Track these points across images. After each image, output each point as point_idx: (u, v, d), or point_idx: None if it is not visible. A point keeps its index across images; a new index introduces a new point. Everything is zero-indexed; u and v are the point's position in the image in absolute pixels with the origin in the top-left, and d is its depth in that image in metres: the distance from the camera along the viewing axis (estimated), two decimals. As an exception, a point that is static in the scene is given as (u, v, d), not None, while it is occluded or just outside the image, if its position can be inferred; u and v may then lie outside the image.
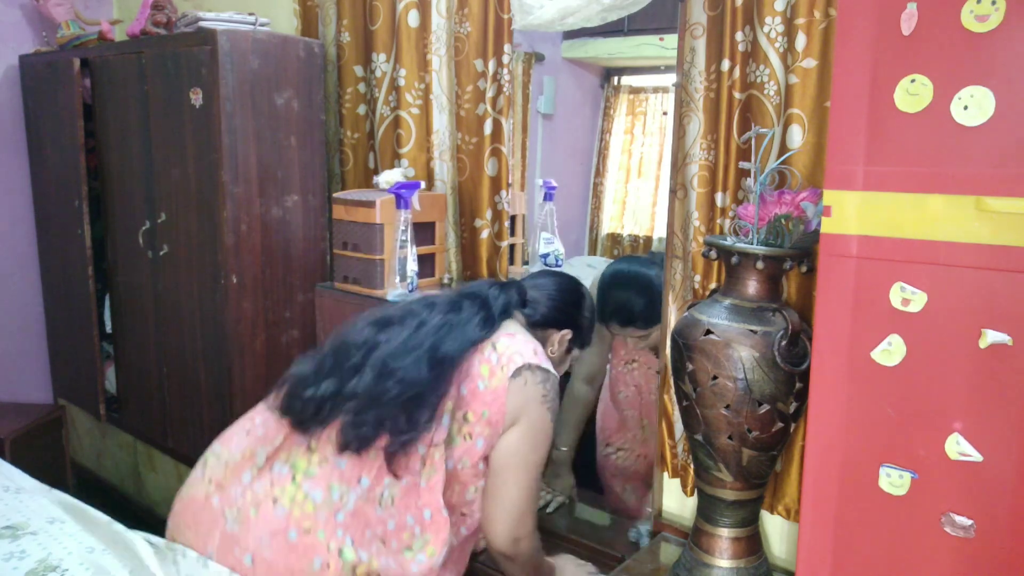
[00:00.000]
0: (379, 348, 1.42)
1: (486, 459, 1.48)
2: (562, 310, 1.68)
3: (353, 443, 1.35)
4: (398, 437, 1.34)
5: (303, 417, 1.39)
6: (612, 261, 2.14)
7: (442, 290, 1.67)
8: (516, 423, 1.47)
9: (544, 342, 1.64)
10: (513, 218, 2.44)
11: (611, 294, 1.99)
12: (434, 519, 1.40)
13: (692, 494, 1.81)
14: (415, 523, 1.39)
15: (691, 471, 1.76)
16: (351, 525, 1.35)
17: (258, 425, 1.48)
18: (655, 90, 4.98)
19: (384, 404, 1.35)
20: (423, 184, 2.23)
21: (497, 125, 2.17)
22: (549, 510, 2.11)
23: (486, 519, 1.49)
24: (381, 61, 2.25)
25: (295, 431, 1.41)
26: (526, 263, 2.60)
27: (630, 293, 1.96)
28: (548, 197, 2.30)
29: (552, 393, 1.51)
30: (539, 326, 1.65)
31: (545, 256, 2.37)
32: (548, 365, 1.53)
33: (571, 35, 4.53)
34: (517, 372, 1.47)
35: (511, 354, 1.49)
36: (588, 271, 4.60)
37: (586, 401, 2.26)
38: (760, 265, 1.49)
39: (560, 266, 2.40)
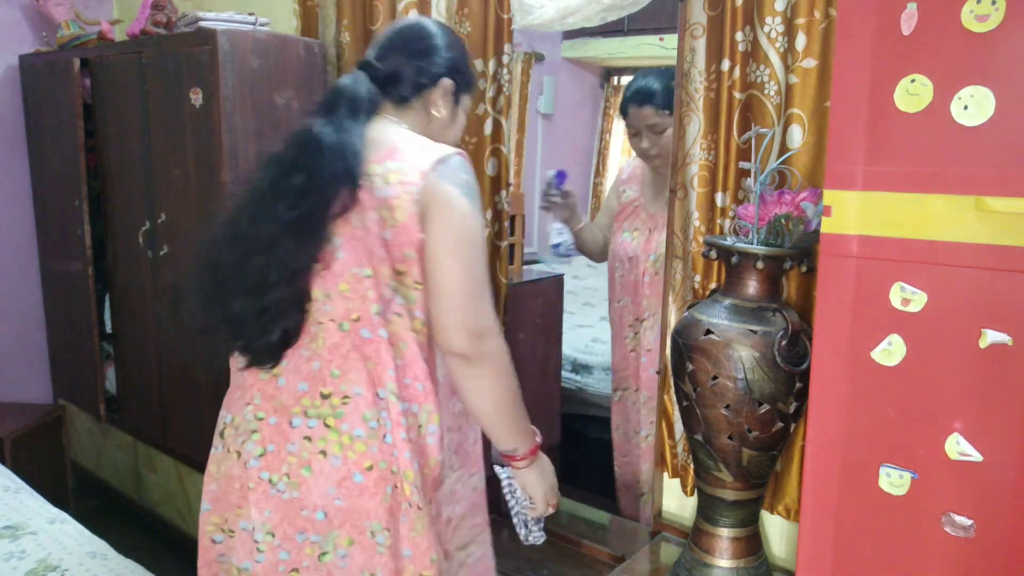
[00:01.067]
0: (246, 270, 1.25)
1: None
2: (425, 58, 1.38)
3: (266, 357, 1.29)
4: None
5: (271, 360, 1.31)
6: None
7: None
8: (430, 217, 1.26)
9: (426, 110, 1.41)
10: (512, 218, 2.44)
11: (633, 82, 2.21)
12: (427, 387, 1.31)
13: (692, 494, 1.81)
14: (413, 400, 1.31)
15: (691, 471, 1.76)
16: (400, 442, 1.29)
17: (239, 383, 1.41)
18: (655, 90, 4.98)
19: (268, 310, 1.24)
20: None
21: (497, 125, 2.17)
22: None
23: (433, 324, 1.29)
24: (381, 61, 2.24)
25: (283, 370, 1.32)
26: (529, 262, 2.62)
27: (650, 78, 2.16)
28: (561, 180, 2.35)
29: (455, 171, 1.28)
30: (411, 97, 1.38)
31: (556, 246, 2.41)
32: (441, 153, 1.29)
33: (571, 35, 4.53)
34: (418, 192, 1.25)
35: (403, 176, 1.25)
36: (588, 271, 4.62)
37: (600, 243, 2.43)
38: (760, 265, 1.49)
39: (571, 255, 2.49)
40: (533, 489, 1.38)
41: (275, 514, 1.29)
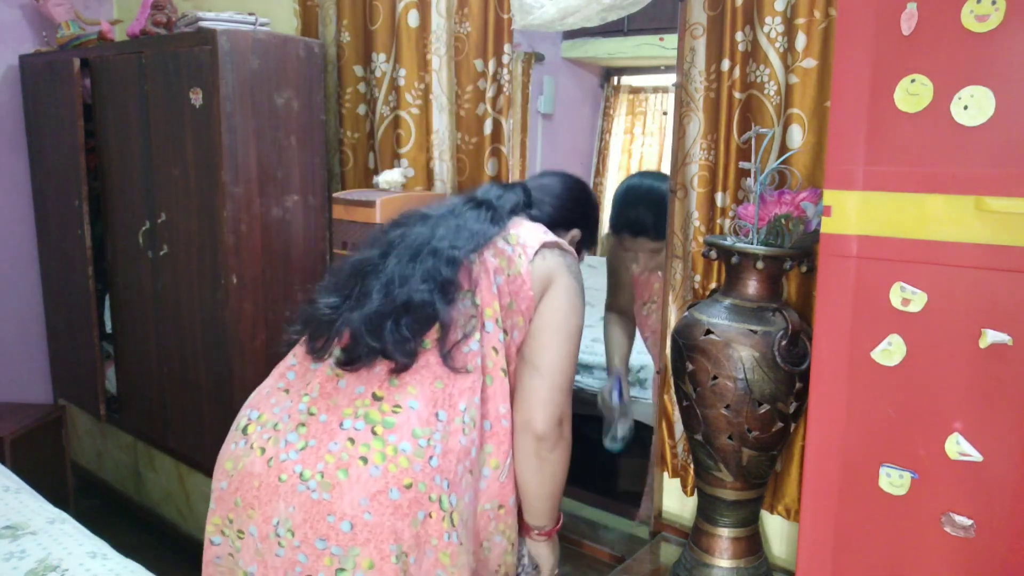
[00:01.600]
0: (388, 267, 1.35)
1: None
2: (569, 208, 1.62)
3: (400, 357, 1.29)
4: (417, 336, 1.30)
5: (356, 358, 1.32)
6: (627, 176, 2.18)
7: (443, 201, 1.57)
8: (544, 296, 1.41)
9: None
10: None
11: (624, 206, 2.07)
12: (494, 428, 1.34)
13: (692, 494, 1.81)
14: (478, 437, 1.33)
15: (691, 471, 1.76)
16: (446, 467, 1.27)
17: (293, 380, 1.40)
18: (655, 90, 4.98)
19: (392, 312, 1.30)
20: (416, 184, 2.23)
21: (497, 125, 2.17)
22: (620, 435, 2.21)
23: (525, 396, 1.37)
24: (381, 61, 2.25)
25: (348, 374, 1.33)
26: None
27: (641, 206, 2.01)
28: None
29: (575, 266, 1.46)
30: (546, 226, 1.54)
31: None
32: (561, 242, 1.47)
33: (571, 35, 4.53)
34: (536, 254, 1.41)
35: (525, 240, 1.42)
36: (588, 271, 4.61)
37: (624, 325, 2.33)
38: (760, 265, 1.49)
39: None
40: (544, 560, 1.52)
41: (298, 512, 1.25)
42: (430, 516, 1.25)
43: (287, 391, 1.39)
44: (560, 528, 1.51)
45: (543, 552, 1.51)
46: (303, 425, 1.31)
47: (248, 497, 1.30)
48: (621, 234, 2.07)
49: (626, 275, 2.24)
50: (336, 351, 1.35)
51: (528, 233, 1.45)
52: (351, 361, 1.32)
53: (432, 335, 1.33)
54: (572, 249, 1.49)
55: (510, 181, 1.93)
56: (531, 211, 1.56)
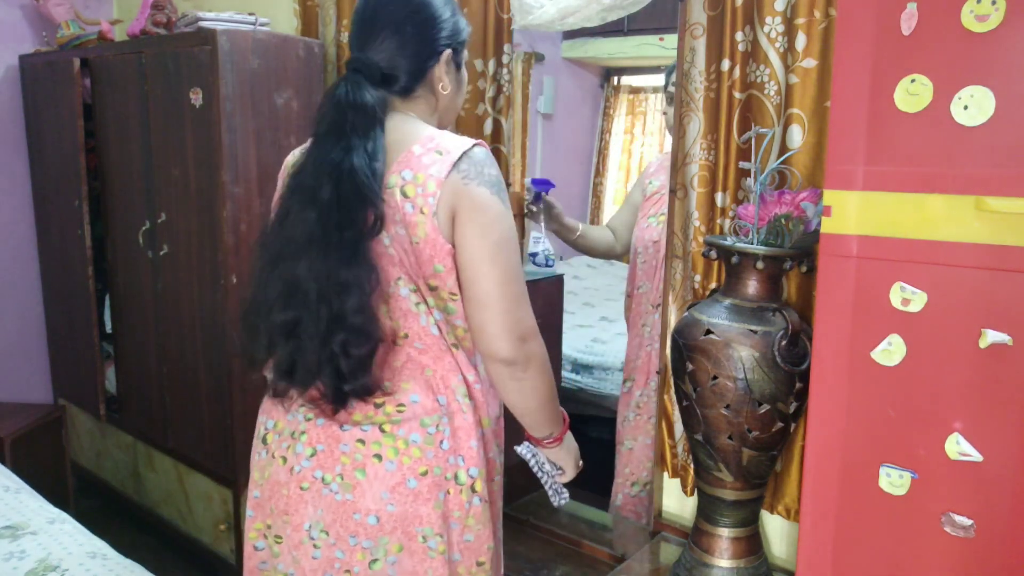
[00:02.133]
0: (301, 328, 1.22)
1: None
2: (420, 43, 1.28)
3: (364, 394, 1.24)
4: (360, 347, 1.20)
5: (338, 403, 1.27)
6: None
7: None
8: (455, 226, 1.22)
9: (432, 90, 1.31)
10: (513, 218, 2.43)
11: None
12: (473, 392, 1.32)
13: (692, 494, 1.81)
14: (478, 399, 1.33)
15: (691, 471, 1.76)
16: (457, 446, 1.29)
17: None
18: (655, 90, 4.98)
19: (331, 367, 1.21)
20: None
21: (497, 125, 2.17)
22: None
23: (477, 332, 1.25)
24: (381, 61, 2.24)
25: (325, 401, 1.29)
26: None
27: None
28: (538, 197, 2.26)
29: (477, 167, 1.22)
30: (415, 85, 1.29)
31: (534, 255, 2.36)
32: (456, 152, 1.21)
33: (571, 35, 4.53)
34: (437, 202, 1.20)
35: (422, 188, 1.20)
36: (588, 271, 4.62)
37: (606, 239, 2.43)
38: (760, 265, 1.49)
39: (551, 266, 2.42)
40: (564, 462, 1.42)
41: (327, 514, 1.29)
42: (449, 493, 1.29)
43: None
44: (568, 426, 1.41)
45: (560, 455, 1.41)
46: (304, 433, 1.32)
47: (280, 505, 1.33)
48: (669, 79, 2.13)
49: (639, 196, 2.35)
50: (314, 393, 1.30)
51: (421, 169, 1.20)
52: (336, 404, 1.28)
53: (390, 335, 1.28)
54: (471, 146, 1.23)
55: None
56: (393, 88, 1.28)
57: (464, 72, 1.38)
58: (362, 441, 1.28)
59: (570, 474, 1.43)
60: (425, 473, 1.27)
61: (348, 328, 1.20)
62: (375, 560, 1.28)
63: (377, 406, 1.29)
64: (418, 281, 1.26)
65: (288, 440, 1.33)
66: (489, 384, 1.35)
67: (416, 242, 1.22)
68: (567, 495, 1.47)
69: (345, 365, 1.21)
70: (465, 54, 1.37)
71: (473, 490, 1.30)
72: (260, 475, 1.37)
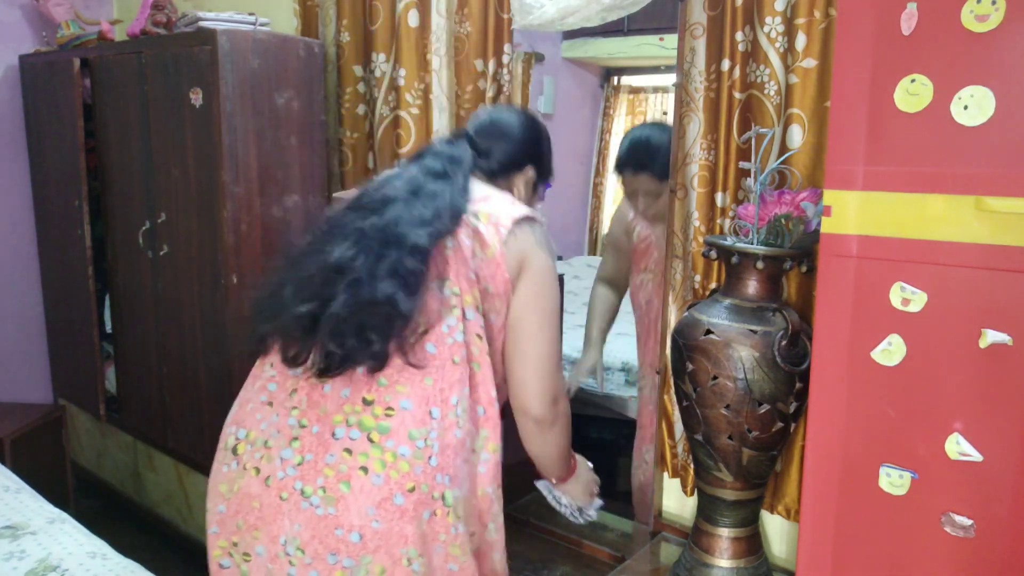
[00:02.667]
0: (357, 264, 1.27)
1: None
2: (519, 148, 1.53)
3: (367, 361, 1.26)
4: (395, 333, 1.25)
5: (332, 365, 1.27)
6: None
7: (394, 168, 1.51)
8: (520, 278, 1.38)
9: (509, 187, 1.53)
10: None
11: (629, 145, 2.09)
12: (488, 413, 1.35)
13: (692, 494, 1.81)
14: (472, 425, 1.34)
15: (691, 471, 1.76)
16: (445, 464, 1.27)
17: (276, 392, 1.35)
18: (655, 90, 4.99)
19: (355, 314, 1.24)
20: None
21: (497, 125, 2.16)
22: (570, 394, 2.14)
23: (517, 386, 1.39)
24: (381, 61, 2.25)
25: (327, 380, 1.30)
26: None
27: (644, 144, 2.03)
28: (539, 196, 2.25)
29: (544, 237, 1.43)
30: (499, 174, 1.51)
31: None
32: (531, 213, 1.42)
33: (571, 35, 4.53)
34: (508, 233, 1.36)
35: (497, 217, 1.37)
36: (588, 271, 4.62)
37: (609, 302, 2.35)
38: (760, 265, 1.49)
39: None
40: (575, 495, 1.57)
41: (305, 530, 1.23)
42: (435, 514, 1.26)
43: (271, 404, 1.35)
44: (576, 465, 1.56)
45: (571, 489, 1.56)
46: (296, 439, 1.29)
47: (250, 519, 1.28)
48: (624, 172, 2.09)
49: (626, 242, 2.25)
50: (314, 357, 1.30)
51: (498, 207, 1.39)
52: (326, 370, 1.28)
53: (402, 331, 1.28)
54: (541, 218, 1.44)
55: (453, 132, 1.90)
56: (482, 163, 1.49)
57: (538, 195, 1.61)
58: (349, 451, 1.25)
59: (584, 503, 1.58)
60: (412, 490, 1.24)
61: (403, 267, 1.26)
62: None
63: (366, 403, 1.28)
64: (463, 284, 1.32)
65: (262, 451, 1.29)
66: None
67: (480, 255, 1.36)
68: (592, 513, 1.61)
69: (380, 314, 1.24)
70: (542, 191, 1.62)
71: (457, 515, 1.28)
72: (228, 488, 1.31)
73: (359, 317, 1.25)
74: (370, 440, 1.26)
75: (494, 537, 1.40)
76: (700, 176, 1.74)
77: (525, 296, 1.38)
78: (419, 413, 1.27)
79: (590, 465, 1.63)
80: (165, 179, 2.43)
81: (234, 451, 1.33)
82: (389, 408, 1.27)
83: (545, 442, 1.44)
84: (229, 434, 1.37)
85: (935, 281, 1.17)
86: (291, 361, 1.31)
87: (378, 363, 1.27)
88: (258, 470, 1.29)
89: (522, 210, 1.40)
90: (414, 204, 1.33)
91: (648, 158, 2.01)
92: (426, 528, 1.25)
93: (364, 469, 1.24)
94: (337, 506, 1.23)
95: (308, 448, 1.27)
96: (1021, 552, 1.15)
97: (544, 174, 1.60)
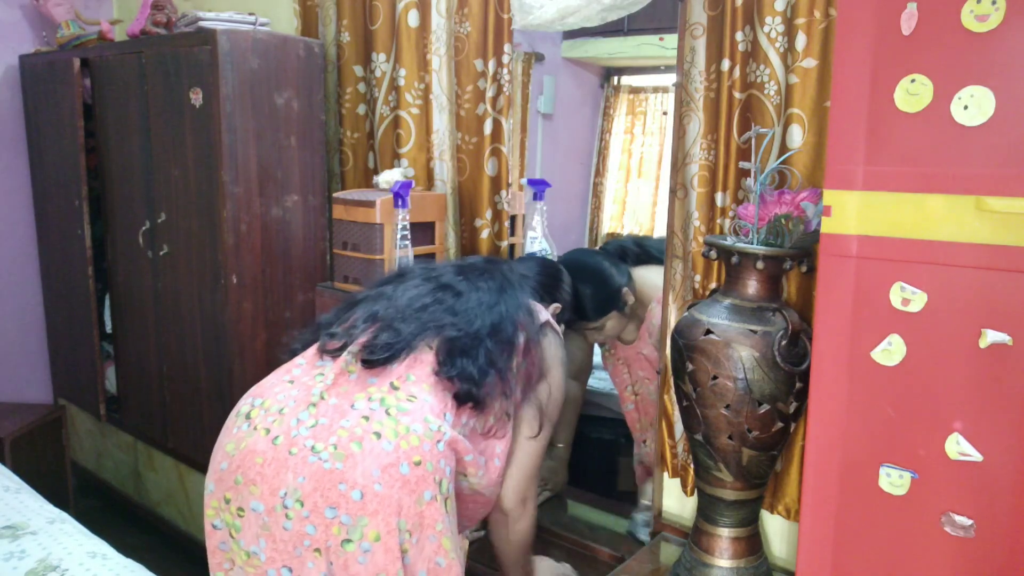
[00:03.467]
0: (447, 302, 1.49)
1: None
2: (546, 286, 1.78)
3: (466, 386, 1.40)
4: (499, 383, 1.44)
5: (379, 356, 1.40)
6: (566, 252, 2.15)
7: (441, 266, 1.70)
8: (540, 383, 1.56)
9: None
10: (513, 218, 2.43)
11: None
12: (488, 465, 1.49)
13: (692, 494, 1.81)
14: (481, 459, 1.46)
15: (691, 471, 1.76)
16: (449, 454, 1.35)
17: (299, 375, 1.44)
18: (655, 90, 4.97)
19: (485, 343, 1.44)
20: (416, 184, 2.23)
21: (497, 125, 2.17)
22: (538, 501, 2.12)
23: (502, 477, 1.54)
24: (381, 61, 2.25)
25: (360, 369, 1.41)
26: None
27: (574, 285, 1.96)
28: (537, 196, 2.25)
29: (562, 349, 1.64)
30: (536, 298, 1.70)
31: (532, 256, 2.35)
32: (554, 323, 1.65)
33: (571, 35, 4.52)
34: (542, 328, 1.58)
35: (538, 313, 1.59)
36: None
37: (575, 397, 2.27)
38: (760, 265, 1.49)
39: None
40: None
41: (308, 482, 1.27)
42: (434, 498, 1.30)
43: (291, 382, 1.43)
44: (533, 572, 1.74)
45: None
46: (313, 406, 1.35)
47: (251, 474, 1.31)
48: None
49: (582, 340, 2.19)
50: (355, 350, 1.43)
51: (537, 307, 1.63)
52: (373, 354, 1.40)
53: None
54: (558, 327, 1.68)
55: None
56: (529, 283, 1.71)
57: (561, 330, 1.75)
58: (366, 418, 1.32)
59: None
60: (419, 463, 1.30)
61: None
62: (348, 540, 1.26)
63: (393, 387, 1.37)
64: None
65: (276, 416, 1.35)
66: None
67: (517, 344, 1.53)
68: None
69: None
70: (562, 328, 1.77)
71: (447, 507, 1.33)
72: (234, 447, 1.35)
73: (484, 342, 1.46)
74: (387, 413, 1.33)
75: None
76: (700, 176, 1.74)
77: (537, 402, 1.56)
78: (437, 408, 1.37)
79: (556, 565, 1.80)
80: (165, 179, 2.43)
81: (247, 416, 1.38)
82: (412, 395, 1.37)
83: (510, 538, 1.61)
84: (244, 403, 1.42)
85: (935, 281, 1.17)
86: (331, 352, 1.45)
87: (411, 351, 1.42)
88: (268, 431, 1.33)
89: (550, 318, 1.63)
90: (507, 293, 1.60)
91: (576, 309, 1.94)
92: (424, 509, 1.29)
93: (377, 434, 1.30)
94: (346, 462, 1.27)
95: (324, 414, 1.34)
96: (1021, 552, 1.15)
97: (566, 316, 1.84)
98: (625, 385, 2.19)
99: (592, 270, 1.98)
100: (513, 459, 1.54)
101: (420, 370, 1.41)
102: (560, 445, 2.21)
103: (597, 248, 2.53)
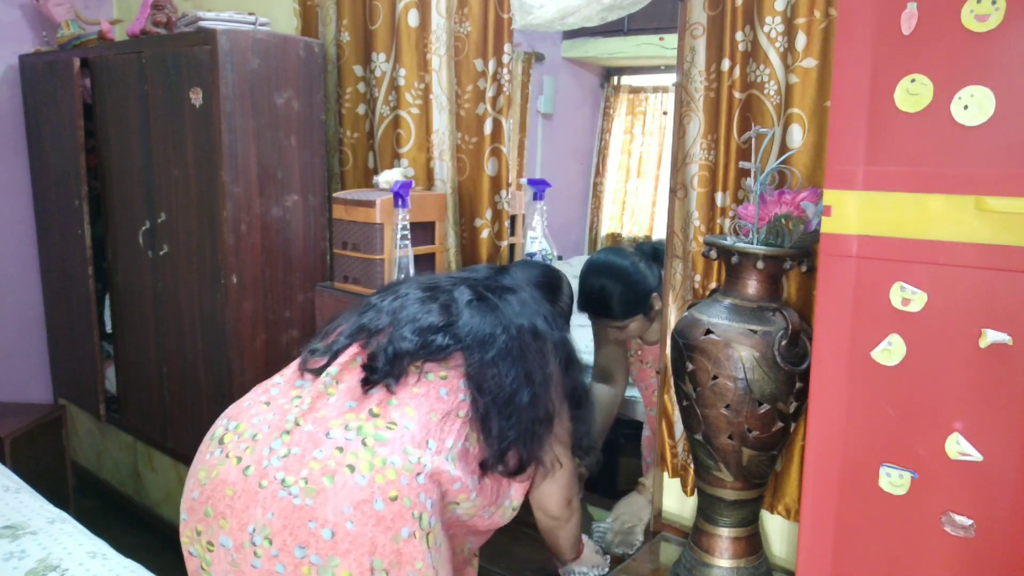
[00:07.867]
0: (457, 322, 1.41)
1: None
2: (543, 294, 1.68)
3: (499, 450, 1.36)
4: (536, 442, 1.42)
5: (377, 376, 1.34)
6: (591, 254, 2.15)
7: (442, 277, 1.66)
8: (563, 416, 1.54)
9: None
10: (513, 218, 2.43)
11: (586, 284, 2.00)
12: (485, 491, 1.40)
13: (692, 494, 1.81)
14: (473, 480, 1.36)
15: (691, 471, 1.76)
16: (430, 487, 1.26)
17: (276, 396, 1.38)
18: (655, 90, 4.98)
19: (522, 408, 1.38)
20: (416, 183, 2.23)
21: (497, 125, 2.17)
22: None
23: (539, 495, 1.55)
24: (381, 61, 2.25)
25: (338, 391, 1.34)
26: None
27: (604, 283, 1.96)
28: (537, 196, 2.25)
29: (579, 362, 1.63)
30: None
31: (532, 255, 2.35)
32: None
33: (571, 35, 4.52)
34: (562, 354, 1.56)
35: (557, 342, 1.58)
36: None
37: (607, 400, 2.22)
38: (760, 265, 1.49)
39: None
40: (587, 562, 1.77)
41: (277, 519, 1.21)
42: (414, 536, 1.22)
43: (267, 404, 1.36)
44: (583, 548, 1.76)
45: (580, 567, 1.76)
46: (287, 433, 1.28)
47: (220, 507, 1.26)
48: (586, 312, 2.03)
49: (610, 341, 2.17)
50: (390, 398, 1.35)
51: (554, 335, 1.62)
52: (372, 373, 1.35)
53: (437, 369, 1.38)
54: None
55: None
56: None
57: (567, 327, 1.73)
58: (340, 449, 1.25)
59: (596, 563, 1.78)
60: (395, 499, 1.21)
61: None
62: None
63: (372, 415, 1.30)
64: None
65: (248, 443, 1.29)
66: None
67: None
68: (605, 568, 1.80)
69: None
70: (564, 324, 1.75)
71: (429, 543, 1.24)
72: (206, 475, 1.30)
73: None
74: (364, 444, 1.25)
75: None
76: (700, 176, 1.74)
77: (560, 425, 1.52)
78: (419, 436, 1.29)
79: (595, 547, 1.84)
80: (165, 179, 2.43)
81: (220, 440, 1.33)
82: (392, 423, 1.28)
83: (558, 535, 1.66)
84: (218, 425, 1.38)
85: (935, 281, 1.17)
86: (312, 372, 1.39)
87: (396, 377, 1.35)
88: (239, 459, 1.28)
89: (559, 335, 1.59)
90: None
91: (608, 302, 1.95)
92: (402, 547, 1.21)
93: (351, 467, 1.23)
94: (316, 498, 1.20)
95: (297, 443, 1.27)
96: (1021, 552, 1.15)
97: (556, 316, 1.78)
98: (652, 390, 2.14)
99: (624, 271, 1.96)
100: (551, 483, 1.53)
101: (403, 392, 1.33)
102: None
103: (623, 247, 2.49)
